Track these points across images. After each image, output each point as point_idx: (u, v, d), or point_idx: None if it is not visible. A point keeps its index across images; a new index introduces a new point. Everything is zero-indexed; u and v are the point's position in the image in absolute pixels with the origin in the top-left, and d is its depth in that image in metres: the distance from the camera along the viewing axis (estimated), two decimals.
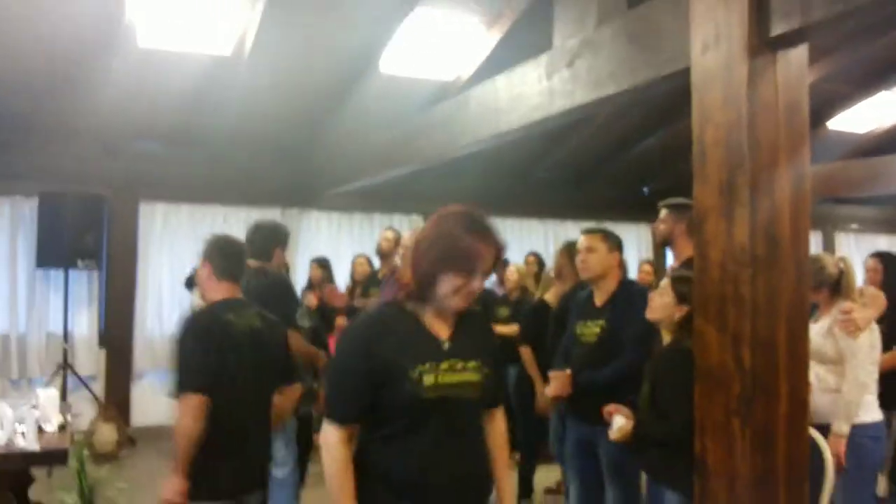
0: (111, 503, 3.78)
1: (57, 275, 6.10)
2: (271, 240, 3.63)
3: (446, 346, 1.89)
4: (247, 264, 2.98)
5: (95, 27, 4.94)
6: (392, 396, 1.82)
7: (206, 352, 2.50)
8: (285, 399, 2.82)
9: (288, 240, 3.79)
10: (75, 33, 4.98)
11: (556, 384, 3.23)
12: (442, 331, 1.92)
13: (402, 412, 1.82)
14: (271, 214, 7.11)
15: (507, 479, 2.02)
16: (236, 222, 6.99)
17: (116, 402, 6.28)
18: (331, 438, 1.85)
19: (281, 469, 3.67)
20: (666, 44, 2.75)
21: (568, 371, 3.23)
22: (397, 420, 1.82)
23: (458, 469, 1.85)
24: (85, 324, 6.36)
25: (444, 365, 1.85)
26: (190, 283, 4.09)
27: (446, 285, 1.85)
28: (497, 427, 2.04)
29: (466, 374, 1.87)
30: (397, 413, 1.82)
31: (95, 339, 6.42)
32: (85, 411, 5.73)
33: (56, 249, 5.78)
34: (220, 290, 2.68)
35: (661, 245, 3.69)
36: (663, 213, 3.43)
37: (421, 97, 6.12)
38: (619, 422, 2.73)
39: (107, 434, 5.85)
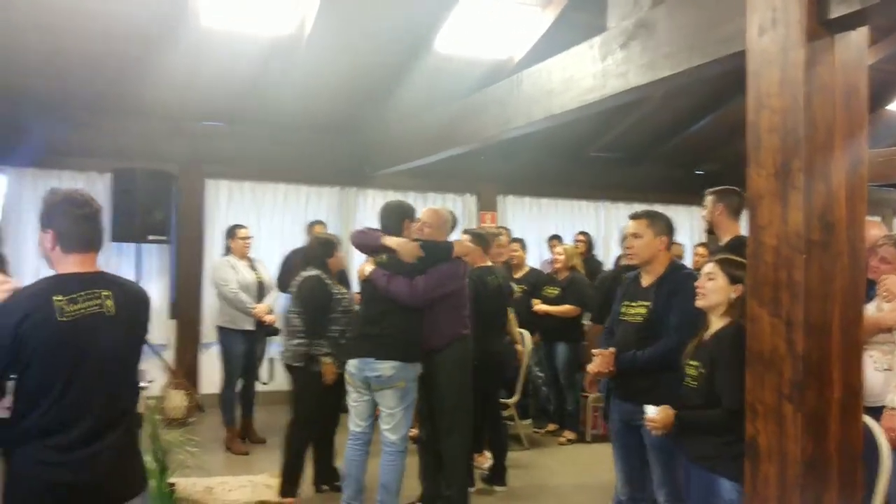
0: (182, 465, 3.96)
1: (130, 249, 6.37)
2: (400, 214, 4.02)
3: None
4: None
5: (162, 9, 5.12)
6: None
7: None
8: None
9: (414, 214, 4.11)
10: (143, 16, 5.17)
11: (597, 361, 3.30)
12: None
13: None
14: (329, 193, 7.33)
15: None
16: (296, 200, 7.22)
17: (185, 370, 6.60)
18: None
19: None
20: (722, 26, 2.75)
21: (611, 349, 3.30)
22: None
23: None
24: (156, 295, 6.65)
25: None
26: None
27: None
28: None
29: None
30: None
31: (166, 311, 6.73)
32: (157, 378, 6.05)
33: (128, 224, 6.01)
34: None
35: (708, 232, 3.73)
36: (706, 199, 3.47)
37: (474, 77, 6.17)
38: (652, 411, 2.79)
39: (177, 400, 6.16)
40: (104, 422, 2.16)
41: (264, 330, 5.67)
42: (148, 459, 3.71)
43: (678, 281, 3.20)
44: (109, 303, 2.18)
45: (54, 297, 2.09)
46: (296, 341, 4.37)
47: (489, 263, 4.71)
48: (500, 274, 4.81)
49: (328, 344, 4.34)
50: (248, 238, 5.77)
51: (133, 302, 2.30)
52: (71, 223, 2.18)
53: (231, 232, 5.77)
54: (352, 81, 6.28)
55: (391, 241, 3.95)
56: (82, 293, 2.14)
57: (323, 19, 5.28)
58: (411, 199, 7.62)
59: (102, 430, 2.15)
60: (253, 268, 5.77)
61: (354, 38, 5.68)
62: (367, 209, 7.49)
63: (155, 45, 5.46)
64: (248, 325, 5.56)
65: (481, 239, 4.66)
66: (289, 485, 4.39)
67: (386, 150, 6.79)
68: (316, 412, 4.43)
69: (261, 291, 5.71)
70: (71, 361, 2.10)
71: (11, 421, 2.12)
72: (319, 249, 4.57)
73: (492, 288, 4.58)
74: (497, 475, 4.83)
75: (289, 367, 4.52)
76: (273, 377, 6.02)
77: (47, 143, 6.11)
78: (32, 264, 6.28)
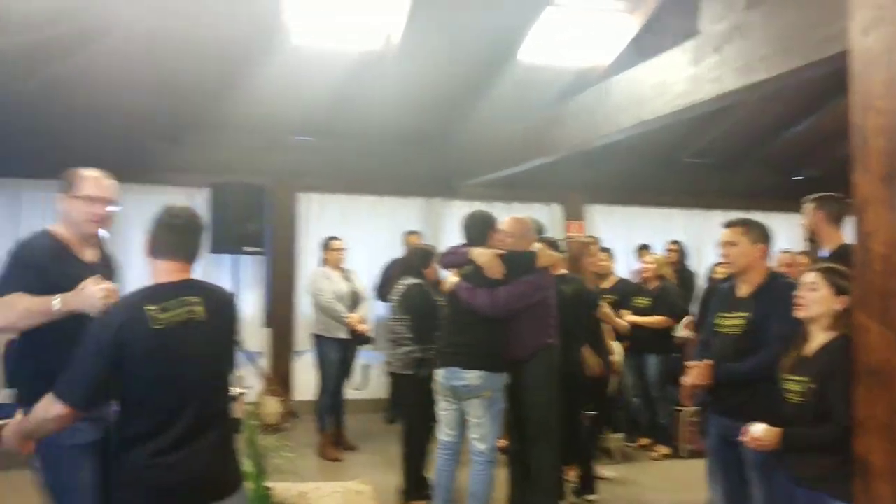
0: (278, 470, 4.09)
1: (226, 260, 6.64)
2: (484, 225, 4.06)
3: None
4: None
5: (255, 29, 5.32)
6: None
7: None
8: None
9: (497, 223, 4.14)
10: (239, 38, 5.39)
11: (693, 374, 3.21)
12: None
13: None
14: (416, 204, 7.42)
15: None
16: (383, 211, 7.36)
17: (280, 377, 6.82)
18: None
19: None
20: (821, 27, 2.65)
21: (707, 361, 3.21)
22: None
23: None
24: (251, 305, 6.93)
25: None
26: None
27: None
28: None
29: None
30: None
31: (260, 319, 6.98)
32: (253, 385, 6.28)
33: (225, 236, 6.25)
34: None
35: (808, 240, 3.56)
36: (804, 207, 3.33)
37: (560, 86, 6.13)
38: (758, 429, 2.67)
39: (272, 406, 6.37)
40: (198, 425, 2.23)
41: (357, 338, 5.81)
42: (246, 463, 3.86)
43: (778, 291, 3.08)
44: (199, 309, 2.26)
45: (146, 307, 2.18)
46: (404, 349, 4.43)
47: (563, 272, 4.65)
48: (578, 283, 4.73)
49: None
50: (342, 249, 5.97)
51: (222, 307, 2.38)
52: (163, 231, 2.31)
53: (326, 244, 6.00)
54: (438, 93, 6.36)
55: (477, 255, 3.97)
56: (173, 301, 2.23)
57: (410, 33, 5.38)
58: (497, 209, 7.53)
59: (196, 433, 2.22)
60: (347, 278, 5.95)
61: (441, 51, 5.76)
62: (453, 220, 7.49)
63: (250, 65, 5.68)
64: (342, 334, 5.71)
65: (555, 247, 4.62)
66: (416, 491, 4.49)
67: (472, 160, 6.84)
68: (425, 418, 4.48)
69: (354, 301, 5.86)
70: (164, 368, 2.19)
71: (116, 428, 2.25)
72: (417, 260, 4.63)
73: (568, 297, 4.52)
74: (585, 485, 4.75)
75: (394, 375, 4.58)
76: (367, 384, 6.14)
77: (150, 160, 6.46)
78: (136, 275, 6.63)
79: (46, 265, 2.56)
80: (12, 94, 5.54)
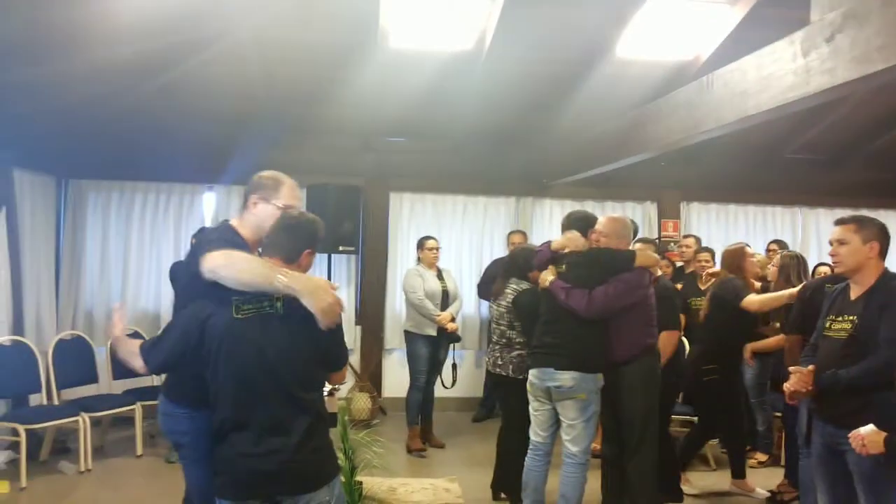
0: (369, 464, 4.17)
1: (322, 259, 6.82)
2: (584, 224, 4.09)
3: None
4: None
5: (354, 33, 5.44)
6: None
7: None
8: None
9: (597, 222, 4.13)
10: (336, 40, 5.51)
11: (794, 380, 3.08)
12: None
13: None
14: (507, 203, 7.42)
15: None
16: (474, 210, 7.38)
17: (370, 374, 6.95)
18: None
19: None
20: None
21: (810, 367, 3.06)
22: None
23: None
24: (344, 303, 7.07)
25: None
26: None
27: None
28: None
29: None
30: None
31: (353, 317, 7.13)
32: (345, 381, 6.41)
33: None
34: None
35: None
36: None
37: (657, 80, 5.97)
38: (864, 430, 2.54)
39: (362, 402, 6.51)
40: (282, 418, 2.28)
41: (447, 337, 5.89)
42: (339, 457, 3.96)
43: (890, 292, 2.91)
44: (279, 304, 2.32)
45: (234, 297, 2.31)
46: (516, 352, 4.40)
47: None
48: (664, 283, 4.60)
49: None
50: (435, 249, 6.07)
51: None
52: (273, 232, 2.44)
53: (420, 243, 6.13)
54: (529, 91, 6.31)
55: (557, 241, 3.96)
56: (258, 293, 2.32)
57: (502, 32, 5.36)
58: (589, 207, 7.52)
59: (281, 426, 2.27)
60: (440, 277, 6.02)
61: (533, 50, 5.71)
62: (544, 219, 7.48)
63: (347, 68, 5.80)
64: (431, 331, 5.81)
65: (656, 247, 4.53)
66: (508, 490, 4.51)
67: (562, 159, 6.75)
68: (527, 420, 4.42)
69: (445, 300, 5.93)
70: (242, 357, 2.28)
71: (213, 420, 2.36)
72: (522, 260, 4.53)
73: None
74: (669, 490, 4.59)
75: (497, 376, 4.56)
76: (455, 382, 6.18)
77: (251, 163, 6.68)
78: None
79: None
80: (130, 99, 5.88)
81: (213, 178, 6.80)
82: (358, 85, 5.97)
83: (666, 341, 4.32)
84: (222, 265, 2.30)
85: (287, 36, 5.42)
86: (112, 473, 5.24)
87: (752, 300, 4.66)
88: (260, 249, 2.52)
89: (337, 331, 2.42)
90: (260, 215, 2.58)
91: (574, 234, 3.97)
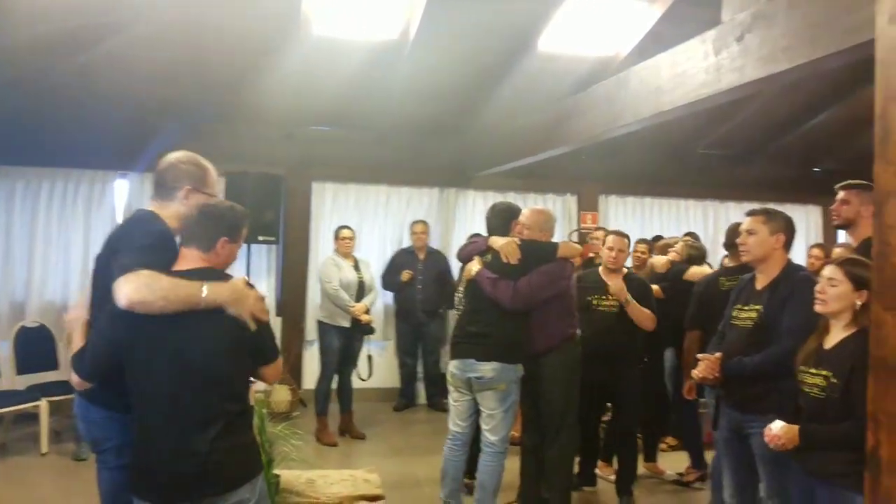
0: (286, 457, 4.12)
1: (241, 249, 6.67)
2: (508, 215, 4.09)
3: None
4: None
5: (275, 20, 5.30)
6: None
7: None
8: None
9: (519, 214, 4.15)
10: (259, 28, 5.36)
11: (702, 367, 3.21)
12: None
13: None
14: (430, 194, 7.41)
15: None
16: (398, 201, 7.35)
17: (290, 366, 6.83)
18: None
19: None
20: (848, 15, 2.58)
21: (717, 354, 3.19)
22: None
23: None
24: (264, 294, 6.92)
25: None
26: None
27: None
28: None
29: None
30: None
31: (272, 309, 6.98)
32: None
33: None
34: None
35: (839, 227, 3.48)
36: (844, 193, 3.27)
37: (578, 75, 6.06)
38: (777, 426, 2.65)
39: (282, 395, 6.40)
40: (201, 418, 2.21)
41: (361, 328, 5.83)
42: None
43: (793, 283, 3.05)
44: None
45: None
46: None
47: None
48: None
49: None
50: (348, 238, 5.98)
51: None
52: (189, 220, 2.37)
53: (336, 232, 6.06)
54: (454, 83, 6.32)
55: (495, 242, 3.96)
56: None
57: (427, 23, 5.33)
58: (511, 199, 7.55)
59: (199, 426, 2.20)
60: (357, 268, 5.95)
61: (458, 41, 5.71)
62: (468, 210, 7.53)
63: (269, 55, 5.66)
64: (345, 322, 5.77)
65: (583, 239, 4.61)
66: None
67: (487, 150, 6.80)
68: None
69: (361, 290, 5.87)
70: (161, 356, 2.21)
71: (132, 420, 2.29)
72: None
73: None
74: (583, 475, 4.76)
75: None
76: (372, 373, 6.15)
77: (166, 150, 6.45)
78: None
79: (176, 251, 2.37)
80: (40, 81, 5.58)
81: (127, 166, 6.52)
82: (280, 72, 5.83)
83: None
84: (139, 301, 2.13)
85: (207, 20, 5.23)
86: (15, 472, 4.99)
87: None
88: (179, 239, 2.42)
89: (265, 326, 2.36)
90: (192, 206, 2.46)
91: (514, 248, 3.91)
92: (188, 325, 2.20)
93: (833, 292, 2.60)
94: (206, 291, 2.18)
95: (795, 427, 2.61)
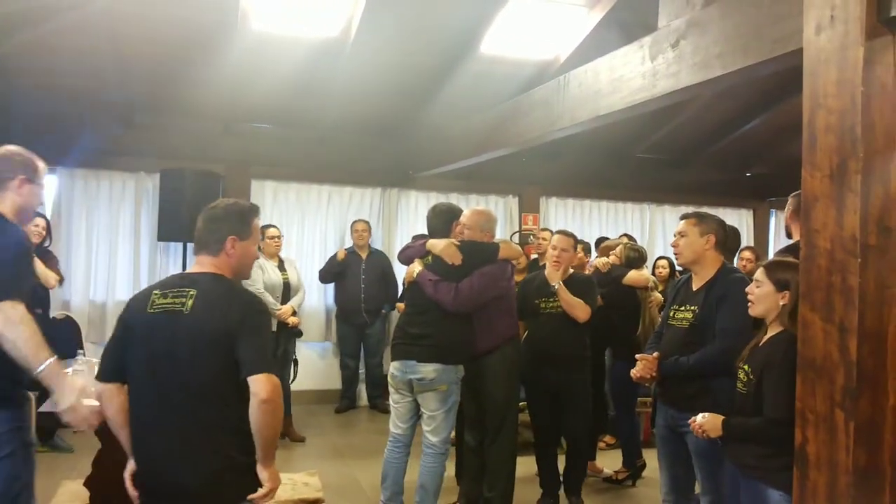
0: None
1: (176, 248, 6.49)
2: (449, 217, 4.05)
3: None
4: None
5: (213, 12, 5.19)
6: None
7: None
8: None
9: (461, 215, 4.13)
10: (195, 21, 5.24)
11: (640, 366, 3.28)
12: None
13: None
14: (372, 194, 7.37)
15: None
16: (339, 200, 7.28)
17: None
18: None
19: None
20: (777, 24, 2.68)
21: (655, 354, 3.26)
22: None
23: None
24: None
25: None
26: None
27: None
28: None
29: None
30: None
31: None
32: None
33: (176, 224, 6.06)
34: None
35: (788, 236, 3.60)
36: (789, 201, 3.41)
37: (520, 78, 6.13)
38: (701, 416, 2.75)
39: None
40: (162, 418, 2.17)
41: (289, 331, 5.71)
42: None
43: (727, 285, 3.13)
44: (190, 302, 2.19)
45: (154, 291, 2.25)
46: None
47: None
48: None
49: None
50: (276, 237, 5.85)
51: (217, 303, 2.20)
52: (197, 228, 2.37)
53: (262, 232, 5.84)
54: (396, 83, 6.30)
55: (434, 245, 3.94)
56: (175, 290, 2.23)
57: (368, 22, 5.30)
58: (453, 200, 7.60)
59: (160, 424, 2.18)
60: (282, 268, 5.83)
61: (400, 41, 5.70)
62: (410, 210, 7.52)
63: (207, 48, 5.54)
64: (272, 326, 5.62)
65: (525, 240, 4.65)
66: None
67: (429, 151, 6.80)
68: None
69: (287, 292, 5.76)
70: (147, 355, 2.19)
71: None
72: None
73: None
74: None
75: None
76: (295, 377, 5.96)
77: (98, 144, 6.26)
78: (82, 262, 6.44)
79: (29, 250, 2.50)
80: None
81: (56, 160, 6.28)
82: (217, 66, 5.71)
83: None
84: (13, 339, 2.26)
85: (139, 10, 5.09)
86: None
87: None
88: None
89: (252, 335, 2.18)
90: (26, 196, 2.55)
91: (454, 251, 3.89)
92: (170, 324, 2.21)
93: (758, 293, 2.70)
94: (45, 367, 2.27)
95: (720, 417, 2.71)
